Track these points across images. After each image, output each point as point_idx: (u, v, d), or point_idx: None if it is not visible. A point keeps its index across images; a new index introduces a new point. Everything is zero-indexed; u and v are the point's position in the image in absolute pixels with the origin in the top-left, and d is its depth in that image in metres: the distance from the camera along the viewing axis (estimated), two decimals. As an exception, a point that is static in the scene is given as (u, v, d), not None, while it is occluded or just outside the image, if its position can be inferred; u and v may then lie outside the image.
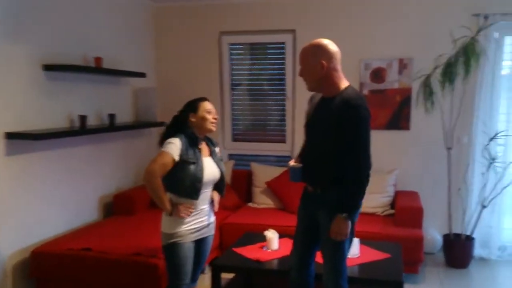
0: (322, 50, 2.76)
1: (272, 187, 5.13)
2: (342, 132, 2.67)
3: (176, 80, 5.79)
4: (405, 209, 4.43)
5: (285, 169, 5.27)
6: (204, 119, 3.08)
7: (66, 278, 3.76)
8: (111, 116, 4.62)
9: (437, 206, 4.96)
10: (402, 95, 5.09)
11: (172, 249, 3.02)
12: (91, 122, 4.53)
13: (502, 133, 4.68)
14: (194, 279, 3.21)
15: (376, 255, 3.58)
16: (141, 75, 5.16)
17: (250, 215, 4.88)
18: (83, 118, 4.25)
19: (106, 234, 4.15)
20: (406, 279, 3.61)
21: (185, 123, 3.10)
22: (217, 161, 3.21)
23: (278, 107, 5.70)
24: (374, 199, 4.71)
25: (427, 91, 4.53)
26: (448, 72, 4.41)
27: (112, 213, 4.90)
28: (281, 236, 3.84)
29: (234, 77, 5.78)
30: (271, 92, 5.72)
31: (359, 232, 3.24)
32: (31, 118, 3.90)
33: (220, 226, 4.53)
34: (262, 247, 3.79)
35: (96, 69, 4.46)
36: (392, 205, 4.83)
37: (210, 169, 3.10)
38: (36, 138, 3.69)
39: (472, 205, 4.81)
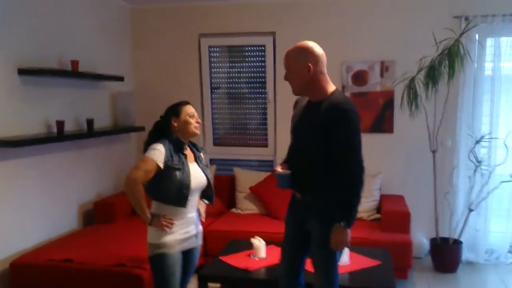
0: (308, 53, 2.69)
1: (256, 193, 5.05)
2: (332, 136, 2.59)
3: (155, 83, 5.68)
4: (392, 214, 4.39)
5: (268, 174, 5.21)
6: (187, 123, 2.98)
7: (47, 291, 3.63)
8: (89, 121, 4.49)
9: (423, 210, 4.94)
10: (385, 98, 5.07)
11: (159, 260, 2.90)
12: (69, 127, 4.40)
13: (487, 136, 4.68)
14: (181, 290, 3.11)
15: (366, 262, 3.52)
16: (119, 79, 5.04)
17: (235, 221, 4.79)
18: (60, 124, 4.11)
19: (87, 244, 4.02)
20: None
21: (167, 128, 3.00)
22: (203, 167, 3.11)
23: (260, 111, 5.63)
24: (360, 204, 4.64)
25: (412, 93, 4.50)
26: (432, 75, 4.39)
27: (92, 221, 4.78)
28: (267, 243, 3.76)
29: (214, 80, 5.69)
30: (252, 95, 5.64)
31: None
32: (6, 124, 3.76)
33: (204, 233, 4.37)
34: (249, 255, 3.70)
35: (73, 73, 4.33)
36: (378, 209, 4.80)
37: (197, 175, 3.00)
38: (12, 145, 3.57)
39: (458, 208, 4.80)
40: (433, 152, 4.71)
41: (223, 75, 5.71)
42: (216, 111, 5.74)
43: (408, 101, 4.54)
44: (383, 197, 4.89)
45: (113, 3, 5.30)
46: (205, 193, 3.13)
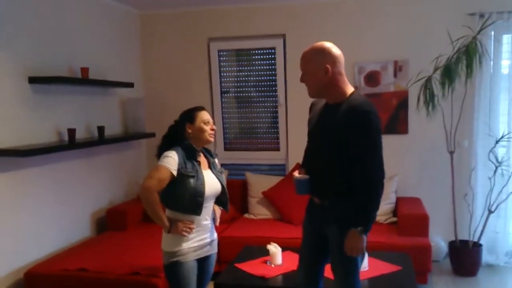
0: (325, 54, 2.60)
1: (269, 197, 4.98)
2: (351, 140, 2.52)
3: (164, 89, 5.64)
4: (410, 217, 4.30)
5: (281, 178, 5.14)
6: (201, 130, 2.92)
7: (62, 301, 3.59)
8: (100, 129, 4.45)
9: (440, 212, 4.83)
10: (399, 98, 4.98)
11: (174, 268, 2.85)
12: (80, 135, 4.36)
13: (506, 136, 4.57)
14: (197, 298, 3.04)
15: (385, 267, 3.44)
16: (129, 85, 4.99)
17: (248, 227, 4.71)
18: (72, 132, 4.07)
19: (100, 252, 3.98)
20: (416, 290, 3.48)
21: (181, 134, 2.94)
22: (217, 174, 3.05)
23: (270, 114, 5.56)
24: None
25: (428, 93, 4.40)
26: (448, 74, 4.30)
27: (105, 229, 4.75)
28: (282, 249, 3.68)
29: (224, 84, 5.63)
30: (263, 99, 5.58)
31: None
32: (18, 133, 3.74)
33: (218, 240, 4.36)
34: (265, 262, 3.63)
35: (83, 80, 4.30)
36: (394, 212, 4.70)
37: (211, 182, 2.95)
38: (24, 154, 3.52)
39: (478, 210, 4.69)
40: (451, 153, 4.60)
41: (233, 79, 5.65)
42: (226, 115, 5.68)
43: (424, 101, 4.45)
44: (399, 200, 4.79)
45: (122, 9, 5.27)
46: (220, 200, 3.07)
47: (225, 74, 5.62)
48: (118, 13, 5.21)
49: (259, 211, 5.05)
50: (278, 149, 5.53)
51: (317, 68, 2.59)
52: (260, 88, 5.57)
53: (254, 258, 3.72)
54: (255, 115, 5.63)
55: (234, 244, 4.26)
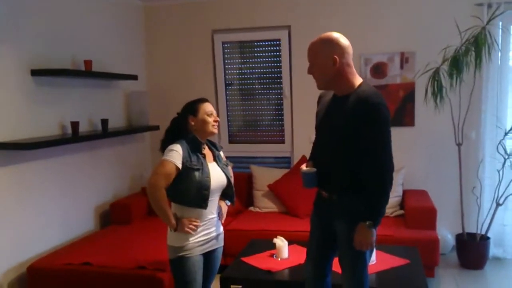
0: (333, 44, 2.55)
1: (275, 190, 4.94)
2: (360, 132, 2.47)
3: (168, 81, 5.59)
4: (417, 210, 4.26)
5: (286, 171, 5.09)
6: (205, 122, 2.88)
7: (66, 296, 3.56)
8: (104, 122, 4.41)
9: (447, 205, 4.78)
10: (405, 90, 4.93)
11: (180, 263, 2.82)
12: (83, 128, 4.33)
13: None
14: (203, 293, 3.01)
15: (393, 261, 3.39)
16: (133, 77, 4.94)
17: (253, 220, 4.68)
18: (75, 125, 4.04)
19: (105, 246, 3.95)
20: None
21: (184, 127, 2.89)
22: (223, 167, 3.00)
23: (275, 106, 5.51)
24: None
25: (437, 85, 4.34)
26: (457, 65, 4.23)
27: (109, 223, 4.72)
28: (288, 242, 3.64)
29: (228, 76, 5.58)
30: (267, 91, 5.52)
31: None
32: (20, 126, 3.70)
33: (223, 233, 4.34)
34: (271, 255, 3.60)
35: (86, 73, 4.25)
36: (401, 205, 4.66)
37: (217, 175, 2.91)
38: (27, 147, 3.49)
39: (485, 203, 4.64)
40: (458, 145, 4.55)
41: (238, 71, 5.60)
42: (230, 107, 5.64)
43: (432, 93, 4.39)
44: (406, 193, 4.74)
45: (125, 1, 5.22)
46: (226, 193, 3.03)
47: (229, 66, 5.57)
48: (122, 5, 5.16)
49: (265, 204, 5.01)
50: (283, 142, 5.48)
51: (325, 59, 2.54)
52: (265, 80, 5.52)
53: (260, 251, 3.69)
54: (260, 107, 5.58)
55: (239, 237, 4.22)
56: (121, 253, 3.75)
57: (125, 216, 4.63)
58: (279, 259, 3.53)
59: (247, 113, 5.64)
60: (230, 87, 5.59)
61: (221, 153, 3.10)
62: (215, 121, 2.92)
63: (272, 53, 5.45)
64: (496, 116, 4.60)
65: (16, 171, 3.66)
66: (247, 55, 5.58)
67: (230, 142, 5.67)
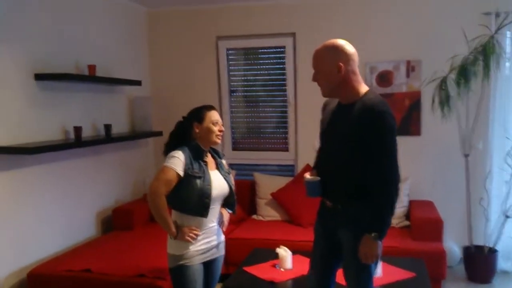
0: (338, 51, 2.50)
1: (278, 199, 4.88)
2: (366, 141, 2.42)
3: (172, 87, 5.57)
4: (423, 221, 4.18)
5: (290, 179, 5.04)
6: (209, 131, 2.83)
7: (65, 302, 3.52)
8: (107, 127, 4.38)
9: (453, 216, 4.70)
10: (411, 99, 4.87)
11: (180, 272, 2.77)
12: (86, 133, 4.30)
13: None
14: (203, 302, 2.95)
15: (399, 273, 3.32)
16: (137, 83, 4.92)
17: (256, 229, 4.63)
18: (78, 130, 4.01)
19: (106, 253, 3.91)
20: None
21: (189, 133, 2.85)
22: (225, 175, 2.95)
23: (280, 114, 5.46)
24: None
25: (443, 94, 4.29)
26: (464, 74, 4.18)
27: (111, 228, 4.69)
28: (293, 252, 3.59)
29: (232, 83, 5.55)
30: (272, 98, 5.48)
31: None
32: (24, 130, 3.68)
33: (225, 241, 4.28)
34: (274, 265, 3.54)
35: (90, 78, 4.24)
36: (407, 216, 4.59)
37: (218, 183, 2.86)
38: (29, 152, 3.48)
39: (493, 215, 4.56)
40: (466, 156, 4.48)
41: (242, 77, 5.56)
42: (234, 114, 5.59)
43: (439, 102, 4.33)
44: (412, 203, 4.67)
45: (129, 6, 5.20)
46: (227, 202, 2.98)
47: (233, 73, 5.54)
48: (126, 10, 5.14)
49: (268, 213, 4.95)
50: (287, 150, 5.44)
51: (330, 66, 2.50)
52: (269, 87, 5.48)
53: (263, 261, 3.64)
54: (264, 114, 5.55)
55: (242, 246, 4.18)
56: (122, 260, 3.72)
57: (127, 222, 4.60)
58: (282, 269, 3.48)
59: (251, 120, 5.60)
60: (234, 94, 5.55)
61: (224, 161, 3.05)
62: (220, 130, 2.87)
63: (276, 60, 5.41)
64: (504, 127, 4.53)
65: (19, 175, 3.63)
66: (252, 62, 5.55)
67: (234, 149, 5.63)
